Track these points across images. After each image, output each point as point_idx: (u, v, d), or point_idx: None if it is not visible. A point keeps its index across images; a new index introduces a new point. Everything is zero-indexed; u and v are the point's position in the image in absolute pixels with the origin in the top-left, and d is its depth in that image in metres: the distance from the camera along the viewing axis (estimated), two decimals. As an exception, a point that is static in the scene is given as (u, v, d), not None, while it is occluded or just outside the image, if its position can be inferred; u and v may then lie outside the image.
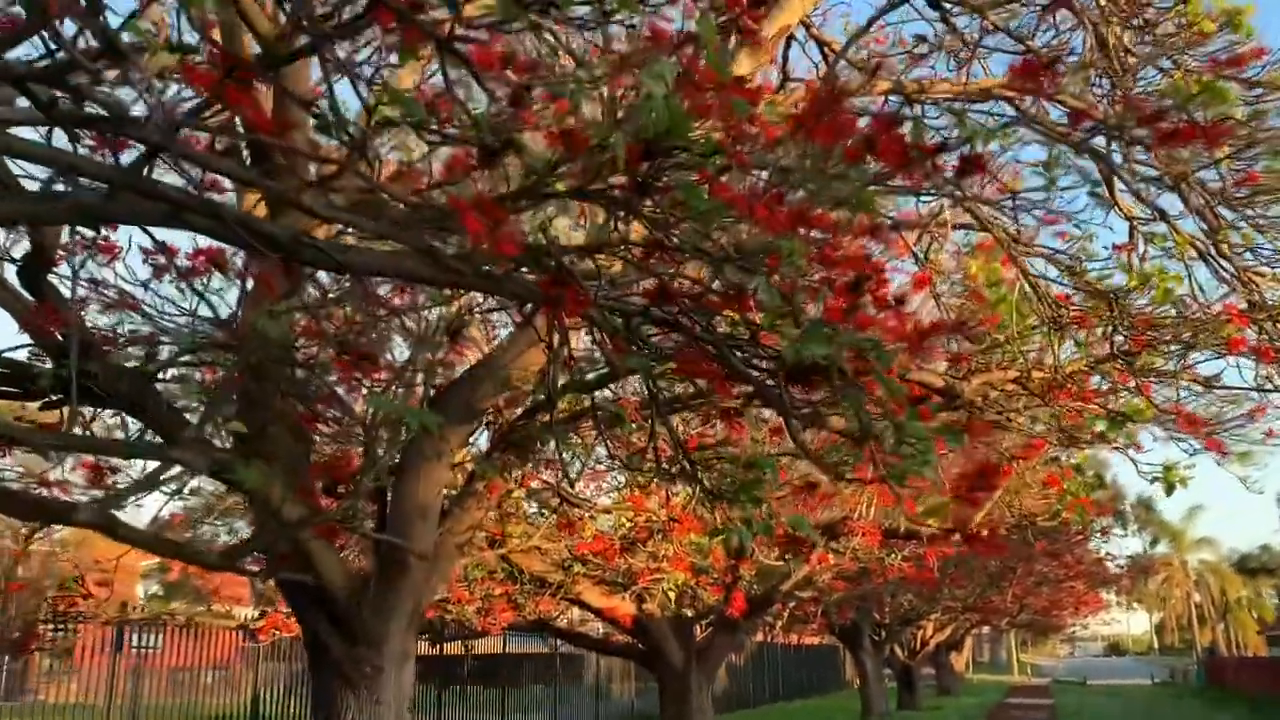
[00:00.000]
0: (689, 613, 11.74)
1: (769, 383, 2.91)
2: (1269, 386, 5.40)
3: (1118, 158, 5.53)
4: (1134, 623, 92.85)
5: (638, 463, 4.57)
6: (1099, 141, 5.49)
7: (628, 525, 7.98)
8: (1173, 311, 4.80)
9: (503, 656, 20.37)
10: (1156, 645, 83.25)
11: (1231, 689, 37.17)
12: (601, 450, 6.34)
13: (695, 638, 11.48)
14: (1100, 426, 4.80)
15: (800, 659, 36.41)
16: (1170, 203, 5.93)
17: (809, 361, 2.91)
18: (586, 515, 6.70)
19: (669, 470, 3.66)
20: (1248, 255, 5.28)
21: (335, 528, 4.25)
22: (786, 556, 8.37)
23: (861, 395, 2.66)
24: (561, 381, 4.30)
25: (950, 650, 39.61)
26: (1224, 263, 5.61)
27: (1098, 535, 22.62)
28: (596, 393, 5.57)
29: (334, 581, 5.17)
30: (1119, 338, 4.84)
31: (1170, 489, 4.71)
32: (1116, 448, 5.30)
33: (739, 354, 3.03)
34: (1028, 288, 4.86)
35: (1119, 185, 5.85)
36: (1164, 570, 62.00)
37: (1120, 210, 5.82)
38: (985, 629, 45.64)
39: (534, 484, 5.88)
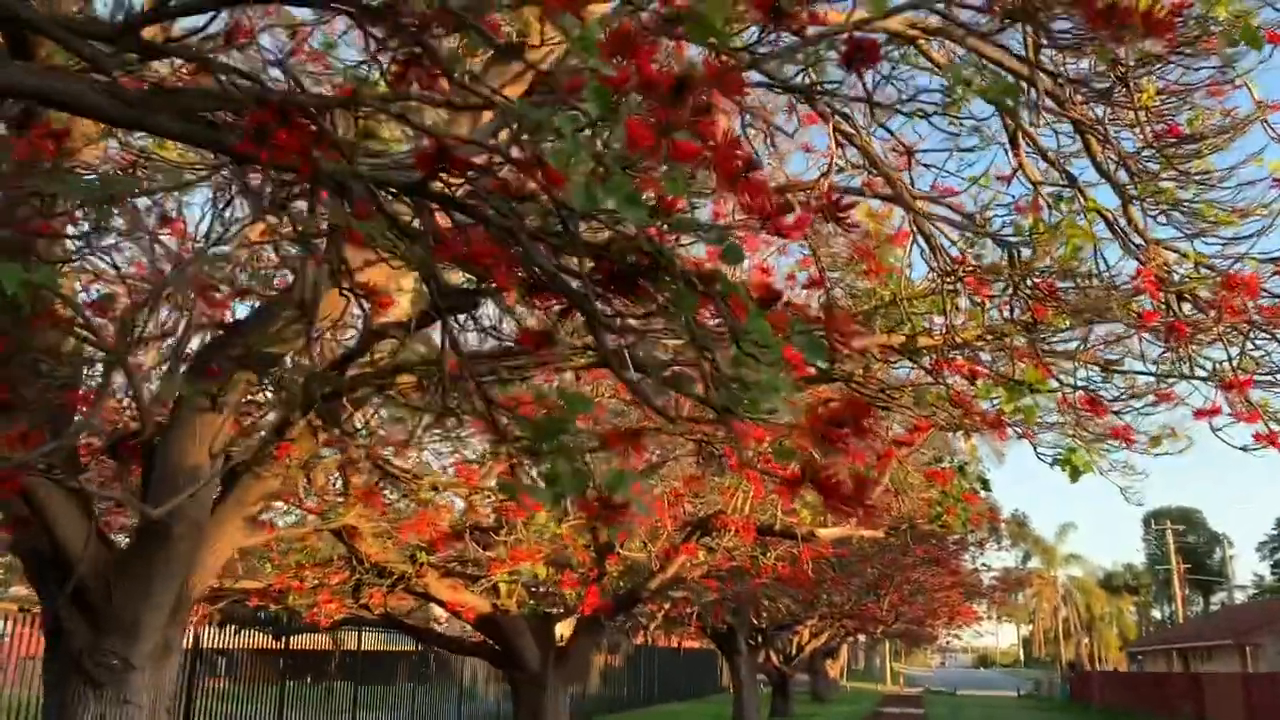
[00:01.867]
0: (555, 610, 10.94)
1: (576, 284, 2.14)
2: (1175, 374, 4.85)
3: (1026, 114, 4.94)
4: (1003, 635, 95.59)
5: (432, 408, 3.76)
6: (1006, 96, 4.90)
7: (460, 506, 7.13)
8: (1081, 269, 4.20)
9: (376, 653, 19.25)
10: (1023, 658, 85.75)
11: (1094, 703, 38.07)
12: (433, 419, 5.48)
13: (555, 637, 10.67)
14: (995, 397, 4.15)
15: (678, 662, 35.89)
16: (1079, 172, 5.39)
17: (625, 250, 2.15)
18: (411, 489, 5.84)
19: (456, 411, 2.86)
20: (1158, 228, 4.73)
21: (19, 478, 3.30)
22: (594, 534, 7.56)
23: (693, 298, 1.91)
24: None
25: (826, 657, 39.68)
26: (1134, 235, 5.07)
27: (974, 547, 22.64)
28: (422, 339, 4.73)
29: (75, 553, 4.20)
30: (1018, 305, 4.22)
31: (1075, 474, 4.12)
32: (1012, 425, 4.69)
33: (543, 251, 2.25)
34: (921, 242, 4.21)
35: (1025, 149, 5.28)
36: (1035, 585, 63.65)
37: (1025, 174, 5.23)
38: (862, 637, 46.02)
39: (338, 450, 5.01)
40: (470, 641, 11.74)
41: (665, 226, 1.95)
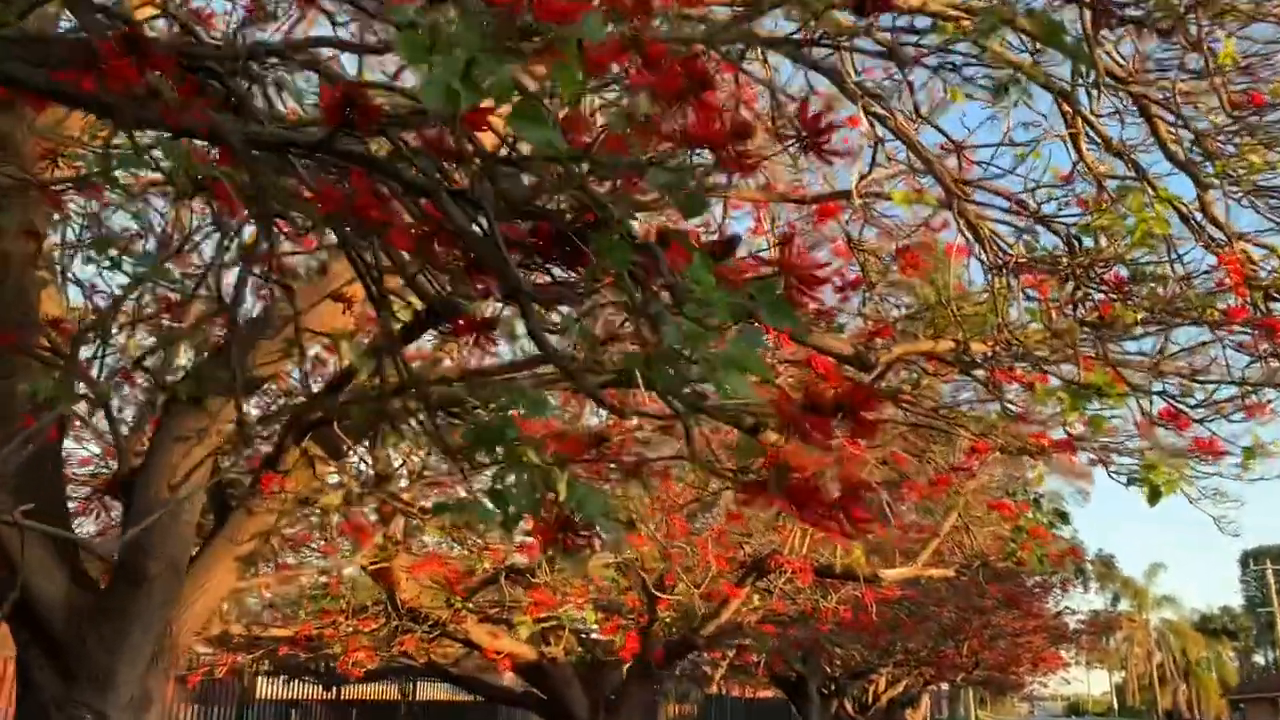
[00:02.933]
0: (608, 658, 10.43)
1: (492, 243, 1.73)
2: (1270, 383, 4.25)
3: (1085, 97, 4.46)
4: (1094, 682, 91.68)
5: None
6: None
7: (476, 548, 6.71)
8: (1151, 262, 3.65)
9: (444, 703, 18.79)
10: (1117, 706, 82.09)
11: (1193, 753, 36.03)
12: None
13: (605, 686, 10.14)
14: (1056, 402, 3.57)
15: (752, 713, 34.78)
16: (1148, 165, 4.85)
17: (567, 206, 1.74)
18: (420, 524, 5.44)
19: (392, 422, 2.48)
20: (1240, 213, 4.17)
21: None
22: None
23: (625, 250, 1.49)
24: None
25: (906, 706, 38.15)
26: (1211, 228, 4.51)
27: (1057, 589, 21.50)
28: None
29: (46, 597, 3.88)
30: (1081, 303, 3.68)
31: (1155, 495, 3.53)
32: (1082, 445, 4.09)
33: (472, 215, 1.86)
34: (966, 236, 3.69)
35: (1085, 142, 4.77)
36: (1126, 628, 60.91)
37: (1087, 167, 4.71)
38: (944, 685, 44.30)
39: (340, 483, 4.63)
40: (518, 691, 11.27)
41: (589, 165, 1.53)
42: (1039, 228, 3.72)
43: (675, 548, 7.68)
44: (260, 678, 14.01)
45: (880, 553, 10.25)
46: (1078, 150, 4.69)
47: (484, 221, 1.79)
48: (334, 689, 14.50)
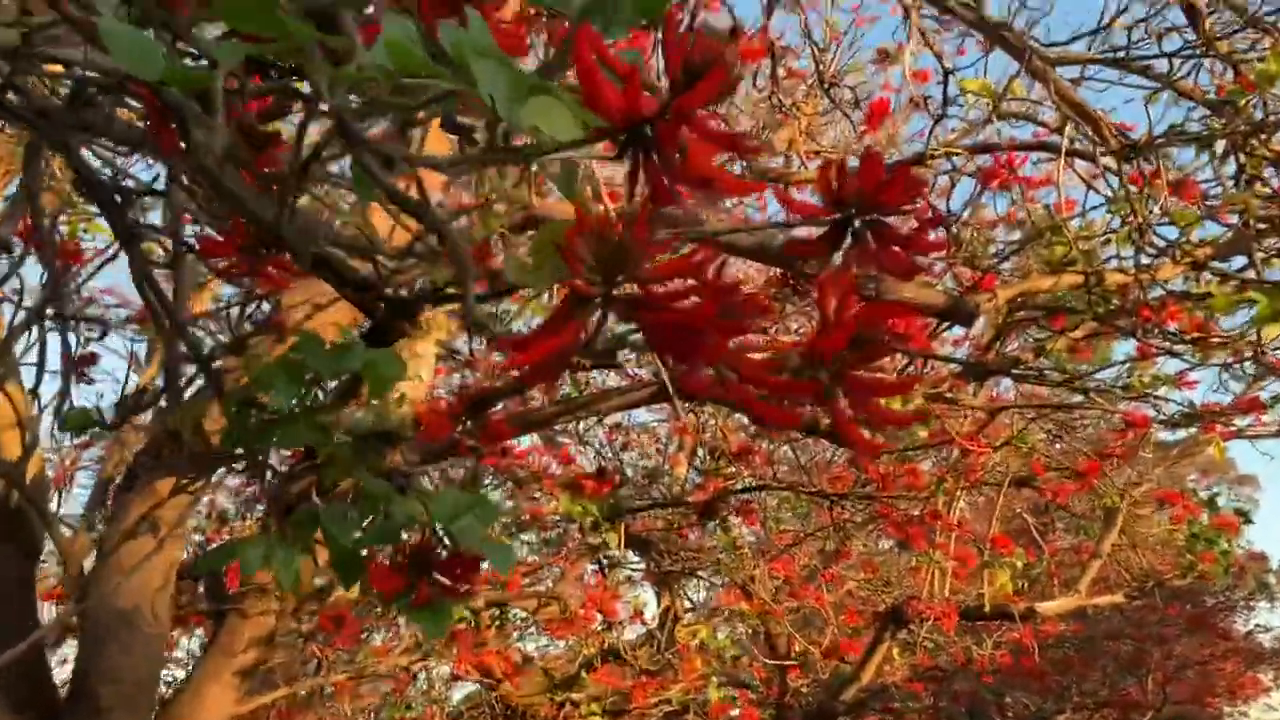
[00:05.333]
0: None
1: None
2: None
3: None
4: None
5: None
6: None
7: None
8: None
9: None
10: (1329, 729, 75.09)
11: None
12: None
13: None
14: (1247, 306, 2.51)
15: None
16: None
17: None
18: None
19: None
20: None
21: None
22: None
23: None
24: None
25: (1093, 754, 35.24)
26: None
27: (1242, 606, 19.38)
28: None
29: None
30: (1242, 184, 2.65)
31: None
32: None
33: None
34: (1070, 115, 2.71)
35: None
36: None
37: (1215, 54, 3.69)
38: (1130, 727, 40.81)
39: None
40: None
41: None
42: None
43: (785, 605, 6.67)
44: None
45: (1036, 584, 8.99)
46: (1196, 29, 3.69)
47: None
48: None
